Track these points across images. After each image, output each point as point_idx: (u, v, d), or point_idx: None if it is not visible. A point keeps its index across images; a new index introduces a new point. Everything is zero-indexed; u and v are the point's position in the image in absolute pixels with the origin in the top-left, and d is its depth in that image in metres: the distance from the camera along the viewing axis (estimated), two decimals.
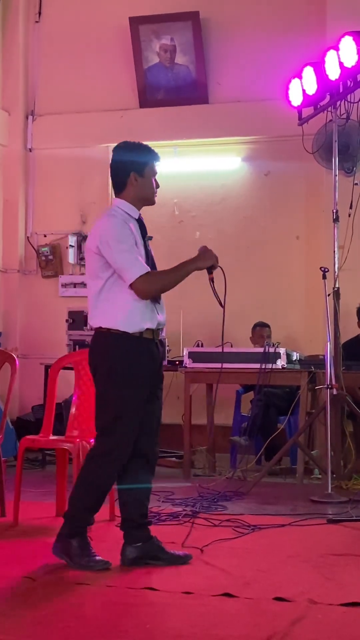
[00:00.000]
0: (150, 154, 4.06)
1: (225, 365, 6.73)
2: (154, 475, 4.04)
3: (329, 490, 5.65)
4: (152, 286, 3.86)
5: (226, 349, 7.04)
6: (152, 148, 4.10)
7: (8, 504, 4.99)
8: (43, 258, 8.72)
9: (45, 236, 8.78)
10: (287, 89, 6.70)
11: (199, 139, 8.47)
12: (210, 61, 8.44)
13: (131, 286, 3.81)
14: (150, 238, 4.05)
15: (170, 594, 3.45)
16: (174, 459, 7.47)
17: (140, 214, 4.03)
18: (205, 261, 3.99)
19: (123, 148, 4.09)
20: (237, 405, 7.39)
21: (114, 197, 4.09)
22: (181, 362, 6.99)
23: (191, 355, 6.82)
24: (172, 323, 7.69)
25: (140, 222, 4.01)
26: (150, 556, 3.90)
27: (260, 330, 7.54)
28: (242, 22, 8.41)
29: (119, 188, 4.03)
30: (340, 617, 3.18)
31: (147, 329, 3.88)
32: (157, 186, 4.06)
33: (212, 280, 4.02)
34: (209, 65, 8.44)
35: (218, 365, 6.73)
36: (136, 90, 8.61)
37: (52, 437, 5.09)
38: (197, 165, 8.58)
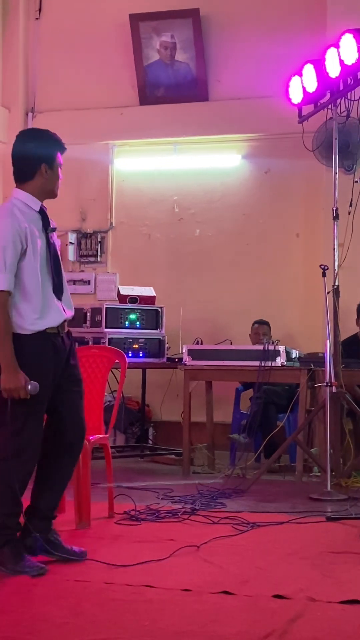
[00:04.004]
0: (58, 145, 3.95)
1: (225, 362, 6.77)
2: (74, 468, 4.02)
3: (328, 488, 5.65)
4: None
5: (226, 347, 7.07)
6: (57, 137, 3.96)
7: None
8: None
9: None
10: (288, 86, 6.69)
11: (199, 136, 8.47)
12: (211, 58, 8.43)
13: None
14: (54, 230, 3.93)
15: (169, 591, 3.45)
16: (173, 456, 7.48)
17: (42, 205, 3.91)
18: (6, 380, 3.65)
19: (33, 136, 3.98)
20: (236, 403, 7.40)
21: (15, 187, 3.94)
22: (180, 359, 6.99)
23: (190, 352, 6.82)
24: (172, 320, 7.71)
25: (42, 213, 3.90)
26: (46, 549, 3.85)
27: (258, 328, 7.54)
28: (242, 19, 8.40)
29: (24, 178, 3.89)
30: (339, 615, 3.18)
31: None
32: (59, 178, 3.96)
33: None
34: (209, 63, 8.43)
35: (218, 362, 6.77)
36: (136, 88, 8.61)
37: None
38: (197, 162, 8.58)
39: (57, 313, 3.84)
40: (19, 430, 3.72)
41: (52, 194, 3.97)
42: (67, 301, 3.93)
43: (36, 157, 3.88)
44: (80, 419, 3.96)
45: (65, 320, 3.88)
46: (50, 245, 3.87)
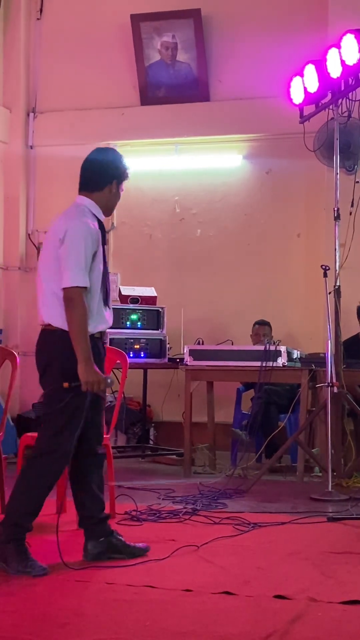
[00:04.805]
0: (127, 171, 4.10)
1: (226, 363, 6.77)
2: (102, 467, 4.10)
3: (329, 489, 5.65)
4: (77, 302, 3.75)
5: (227, 347, 7.06)
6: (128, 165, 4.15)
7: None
8: None
9: (46, 233, 8.75)
10: (289, 86, 6.70)
11: (200, 136, 8.46)
12: (212, 59, 8.43)
13: (65, 288, 3.77)
14: (106, 243, 4.06)
15: (170, 591, 3.46)
16: (174, 456, 7.48)
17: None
18: (86, 375, 3.74)
19: (111, 153, 4.12)
20: (237, 403, 7.40)
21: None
22: (182, 359, 6.99)
23: (192, 353, 6.82)
24: (173, 321, 7.71)
25: (102, 225, 4.01)
26: (113, 550, 3.95)
27: (258, 329, 7.54)
28: (243, 19, 8.40)
29: (94, 188, 4.01)
30: (340, 615, 3.18)
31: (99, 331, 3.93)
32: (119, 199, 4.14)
33: (63, 387, 3.78)
34: (211, 63, 8.43)
35: (219, 362, 6.77)
36: (137, 88, 8.61)
37: None
38: (198, 162, 8.58)
39: (105, 320, 3.98)
40: (61, 429, 3.81)
41: (110, 211, 4.13)
42: (110, 310, 4.06)
43: (111, 171, 4.02)
44: (101, 422, 4.09)
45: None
46: (104, 256, 4.00)
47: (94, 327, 3.87)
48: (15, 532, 3.78)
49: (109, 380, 3.82)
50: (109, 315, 4.02)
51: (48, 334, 3.90)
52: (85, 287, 3.78)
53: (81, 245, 3.79)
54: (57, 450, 3.83)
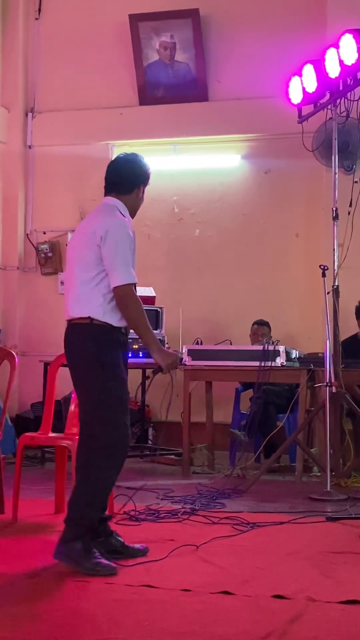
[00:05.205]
0: (149, 177, 4.19)
1: (225, 363, 6.77)
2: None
3: (328, 488, 5.65)
4: (132, 298, 3.89)
5: (225, 347, 7.06)
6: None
7: (7, 501, 4.99)
8: (42, 255, 8.73)
9: (44, 233, 8.78)
10: (287, 86, 6.70)
11: (199, 136, 8.47)
12: (210, 59, 8.44)
13: (117, 287, 3.86)
14: None
15: (169, 591, 3.46)
16: (173, 456, 7.48)
17: None
18: (163, 358, 3.99)
19: (138, 158, 4.17)
20: (236, 403, 7.40)
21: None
22: (180, 359, 6.98)
23: (190, 352, 6.82)
24: (171, 321, 7.70)
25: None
26: (112, 550, 3.94)
27: (257, 329, 7.54)
28: (242, 19, 8.40)
29: (123, 191, 4.08)
30: (339, 615, 3.18)
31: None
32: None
33: (149, 377, 4.09)
34: (209, 63, 8.43)
35: (218, 362, 6.77)
36: (136, 88, 8.61)
37: (51, 435, 5.09)
38: (196, 162, 8.58)
39: None
40: (119, 422, 3.86)
41: (134, 214, 4.17)
42: None
43: (141, 176, 4.12)
44: None
45: None
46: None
47: (123, 321, 3.94)
48: (82, 531, 3.79)
49: (180, 356, 3.95)
50: None
51: (76, 327, 3.94)
52: (135, 283, 3.89)
53: (125, 242, 3.89)
54: (118, 443, 3.87)
